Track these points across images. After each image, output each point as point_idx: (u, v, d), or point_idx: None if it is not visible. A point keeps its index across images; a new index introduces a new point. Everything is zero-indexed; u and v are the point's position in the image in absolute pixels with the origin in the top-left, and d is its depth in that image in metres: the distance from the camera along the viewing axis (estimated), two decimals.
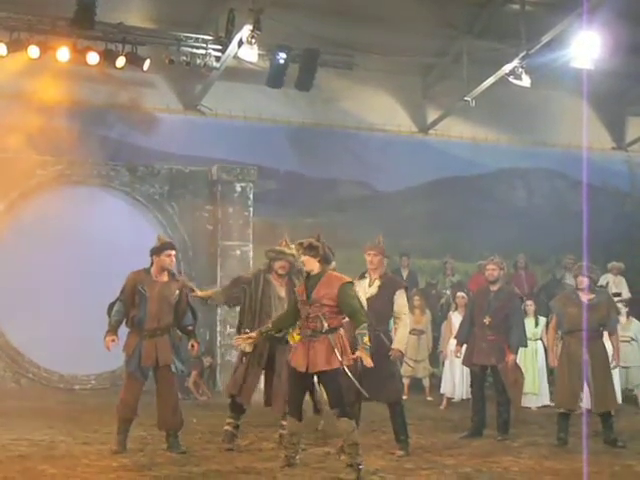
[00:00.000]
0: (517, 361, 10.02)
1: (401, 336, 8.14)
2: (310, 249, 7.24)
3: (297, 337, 7.59)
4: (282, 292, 8.43)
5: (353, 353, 7.18)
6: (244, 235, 13.81)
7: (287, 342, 7.98)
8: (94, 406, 11.23)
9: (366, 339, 7.05)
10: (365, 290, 8.15)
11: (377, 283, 8.21)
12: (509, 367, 9.32)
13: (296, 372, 7.25)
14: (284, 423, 7.86)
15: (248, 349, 7.94)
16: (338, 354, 7.06)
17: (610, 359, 9.25)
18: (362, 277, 8.35)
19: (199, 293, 8.55)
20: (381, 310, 8.11)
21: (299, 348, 7.28)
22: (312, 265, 7.25)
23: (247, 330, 8.11)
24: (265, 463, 7.62)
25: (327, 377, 7.17)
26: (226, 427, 8.44)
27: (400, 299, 8.19)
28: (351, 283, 7.34)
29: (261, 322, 8.11)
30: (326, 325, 7.10)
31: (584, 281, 9.07)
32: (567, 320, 9.08)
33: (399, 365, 8.69)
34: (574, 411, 9.13)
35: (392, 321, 8.34)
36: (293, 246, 7.94)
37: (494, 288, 9.50)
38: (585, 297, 9.05)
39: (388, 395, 8.10)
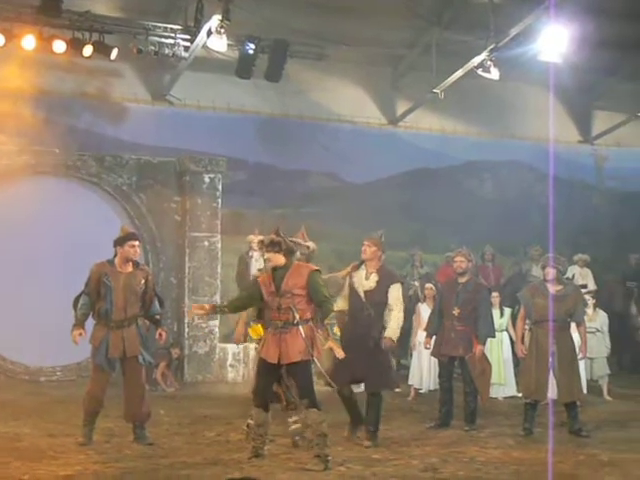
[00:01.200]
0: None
1: (394, 326, 8.19)
2: (272, 245, 7.30)
3: (261, 330, 7.60)
4: None
5: None
6: (212, 226, 13.74)
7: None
8: (60, 398, 11.14)
9: (336, 329, 7.13)
10: (362, 282, 8.24)
11: (374, 277, 8.26)
12: (477, 358, 9.37)
13: (266, 363, 7.27)
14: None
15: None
16: (309, 346, 7.10)
17: (577, 350, 9.34)
18: (358, 267, 8.38)
19: (240, 328, 8.05)
20: (380, 302, 8.20)
21: (269, 339, 7.29)
22: (278, 260, 7.31)
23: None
24: (233, 454, 7.61)
25: (298, 369, 7.20)
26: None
27: (394, 292, 8.25)
28: (319, 271, 7.41)
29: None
30: (297, 316, 7.15)
31: (551, 272, 9.14)
32: (535, 311, 9.15)
33: (391, 356, 8.73)
34: (541, 401, 9.19)
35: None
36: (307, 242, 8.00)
37: (462, 280, 9.56)
38: (553, 288, 9.12)
39: (378, 384, 8.21)
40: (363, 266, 8.35)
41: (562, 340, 9.06)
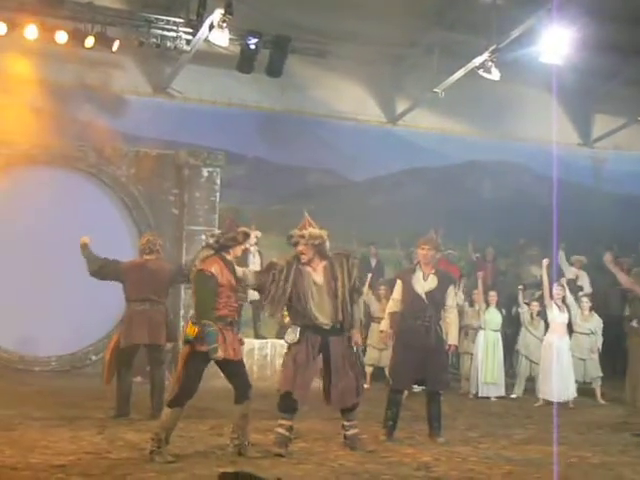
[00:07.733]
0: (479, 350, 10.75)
1: (455, 331, 8.72)
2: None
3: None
4: (318, 278, 7.56)
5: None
6: (210, 220, 13.73)
7: (340, 333, 7.52)
8: (54, 388, 11.15)
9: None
10: (421, 283, 8.40)
11: (434, 278, 8.45)
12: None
13: (206, 362, 7.07)
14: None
15: (294, 340, 7.48)
16: None
17: None
18: (413, 271, 8.55)
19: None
20: (440, 302, 8.47)
21: (229, 336, 7.08)
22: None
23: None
24: None
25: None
26: (278, 429, 7.48)
27: (452, 293, 8.63)
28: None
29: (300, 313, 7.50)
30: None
31: None
32: None
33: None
34: None
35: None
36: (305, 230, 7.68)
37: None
38: None
39: (442, 384, 8.54)
40: (416, 268, 8.51)
41: None
